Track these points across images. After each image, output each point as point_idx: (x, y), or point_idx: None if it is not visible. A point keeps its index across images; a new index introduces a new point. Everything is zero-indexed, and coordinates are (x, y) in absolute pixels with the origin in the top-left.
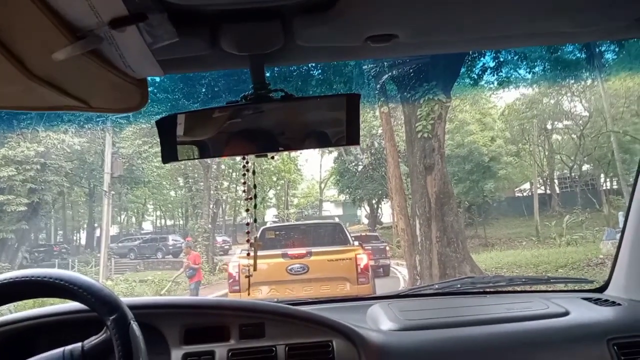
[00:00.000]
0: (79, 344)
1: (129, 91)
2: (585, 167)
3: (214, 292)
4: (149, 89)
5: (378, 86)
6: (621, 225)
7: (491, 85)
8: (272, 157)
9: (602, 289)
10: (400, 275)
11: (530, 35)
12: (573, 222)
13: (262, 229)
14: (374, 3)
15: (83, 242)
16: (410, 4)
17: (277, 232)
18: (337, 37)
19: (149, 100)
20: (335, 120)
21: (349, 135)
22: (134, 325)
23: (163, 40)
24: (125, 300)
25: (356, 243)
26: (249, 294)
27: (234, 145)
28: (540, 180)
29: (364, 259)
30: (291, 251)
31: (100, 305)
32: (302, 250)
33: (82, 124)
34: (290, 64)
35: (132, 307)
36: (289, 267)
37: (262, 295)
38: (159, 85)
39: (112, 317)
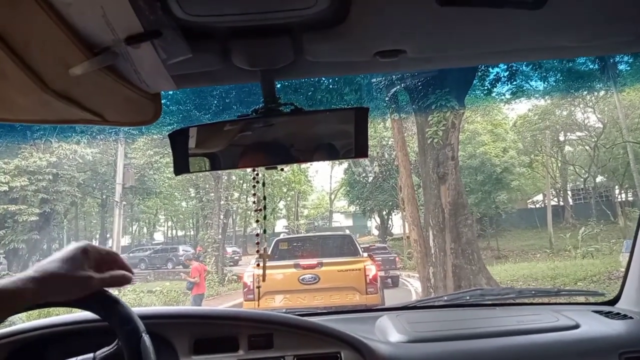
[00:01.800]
0: (91, 355)
1: (143, 105)
2: (599, 178)
3: (223, 304)
4: (163, 101)
5: (389, 94)
6: None
7: (503, 97)
8: (282, 169)
9: (613, 301)
10: (412, 288)
11: (534, 50)
12: (587, 234)
13: (275, 240)
14: (381, 19)
15: None
16: (418, 20)
17: (290, 244)
18: (345, 53)
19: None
20: (344, 132)
21: (358, 148)
22: (146, 338)
23: (177, 56)
24: (135, 310)
25: (365, 254)
26: (257, 305)
27: (244, 157)
28: (553, 192)
29: (372, 270)
30: (303, 262)
31: (113, 316)
32: (313, 261)
33: (95, 134)
34: (300, 78)
35: (142, 317)
36: (301, 277)
37: (275, 303)
38: (171, 97)
39: (125, 328)
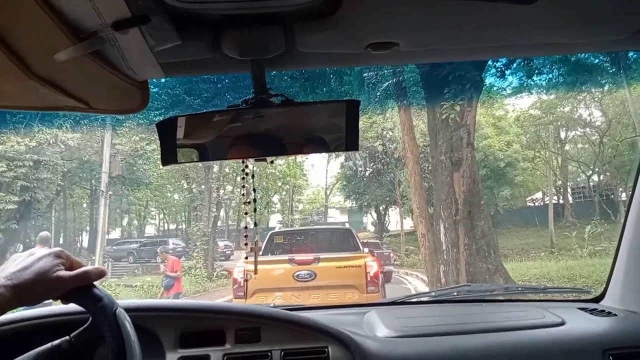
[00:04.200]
0: (67, 337)
1: (130, 93)
2: (601, 176)
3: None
4: (153, 89)
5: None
6: None
7: (504, 92)
8: (272, 162)
9: (599, 299)
10: (412, 286)
11: (527, 46)
12: (592, 233)
13: (270, 233)
14: (374, 11)
15: (85, 244)
16: (411, 13)
17: (286, 237)
18: (337, 44)
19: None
20: (334, 125)
21: (348, 141)
22: (120, 309)
23: (165, 43)
24: (120, 302)
25: (366, 250)
26: (245, 299)
27: (233, 149)
28: (553, 190)
29: (374, 267)
30: (298, 257)
31: (85, 296)
32: (309, 257)
33: (79, 119)
34: (291, 69)
35: (128, 310)
36: (296, 274)
37: (267, 301)
38: (161, 83)
39: (98, 305)
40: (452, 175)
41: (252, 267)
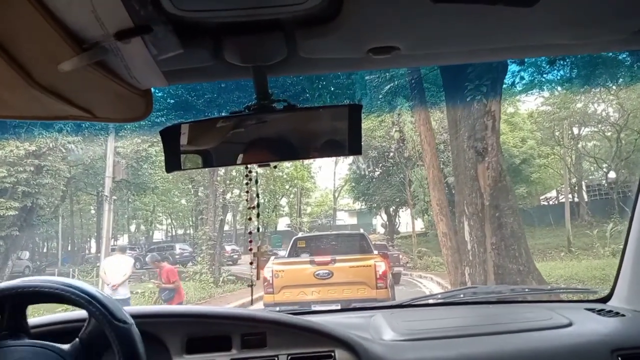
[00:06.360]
0: (76, 340)
1: (134, 101)
2: (618, 173)
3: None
4: (157, 94)
5: None
6: None
7: (515, 89)
8: (275, 167)
9: (606, 299)
10: (427, 290)
11: (528, 47)
12: (613, 231)
13: (294, 238)
14: (374, 16)
15: (94, 250)
16: (411, 17)
17: (307, 242)
18: (338, 49)
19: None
20: (337, 130)
21: (351, 145)
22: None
23: (167, 52)
24: (127, 309)
25: (376, 252)
26: (252, 303)
27: (237, 154)
28: (568, 188)
29: (382, 267)
30: (318, 259)
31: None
32: (327, 258)
33: (80, 123)
34: (293, 74)
35: (134, 316)
36: (316, 273)
37: (292, 297)
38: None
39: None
40: (476, 167)
41: (279, 267)
